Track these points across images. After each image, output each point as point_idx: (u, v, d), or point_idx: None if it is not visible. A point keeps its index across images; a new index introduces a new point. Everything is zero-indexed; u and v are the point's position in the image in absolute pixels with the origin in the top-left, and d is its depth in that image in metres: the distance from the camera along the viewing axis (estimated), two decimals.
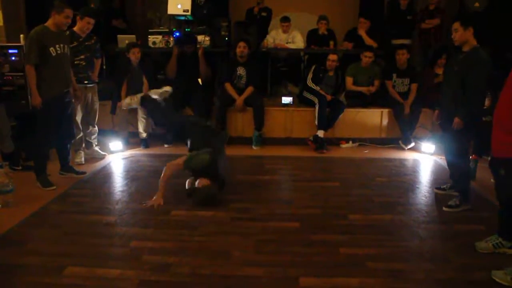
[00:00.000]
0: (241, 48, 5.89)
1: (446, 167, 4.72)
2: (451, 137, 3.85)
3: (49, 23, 4.04)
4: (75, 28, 4.73)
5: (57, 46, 4.05)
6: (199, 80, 6.22)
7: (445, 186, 4.17)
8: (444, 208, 3.77)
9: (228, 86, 5.95)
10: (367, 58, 6.10)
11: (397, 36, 6.89)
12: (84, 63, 4.84)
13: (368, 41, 6.60)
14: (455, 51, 4.06)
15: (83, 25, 4.69)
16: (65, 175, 4.53)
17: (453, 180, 4.06)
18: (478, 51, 3.65)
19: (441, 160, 5.27)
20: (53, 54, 4.03)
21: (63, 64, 4.19)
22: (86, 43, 4.86)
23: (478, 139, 4.66)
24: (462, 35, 3.67)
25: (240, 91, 5.92)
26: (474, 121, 3.73)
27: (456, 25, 3.69)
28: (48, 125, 4.15)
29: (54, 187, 4.19)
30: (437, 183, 4.45)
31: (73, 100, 4.50)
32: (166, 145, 5.82)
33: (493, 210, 3.79)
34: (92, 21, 4.72)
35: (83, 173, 4.62)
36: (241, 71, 5.98)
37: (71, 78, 4.43)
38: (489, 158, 5.18)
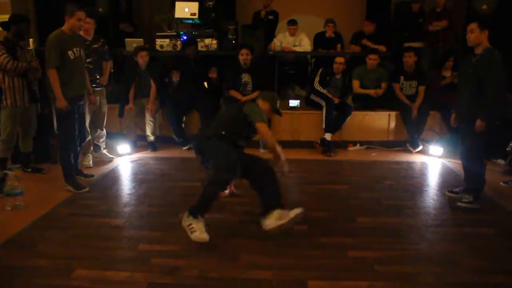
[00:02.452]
0: (244, 56, 5.84)
1: (455, 170, 4.73)
2: (469, 140, 3.85)
3: (64, 27, 4.08)
4: (80, 32, 4.73)
5: (74, 49, 4.10)
6: (205, 83, 6.23)
7: (458, 189, 4.12)
8: (458, 203, 3.82)
9: (232, 92, 5.95)
10: (371, 60, 6.09)
11: (409, 39, 6.88)
12: (92, 66, 4.87)
13: (373, 46, 6.59)
14: (466, 53, 4.05)
15: (84, 27, 4.69)
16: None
17: (467, 182, 4.03)
18: (493, 52, 3.66)
19: (449, 163, 5.25)
20: (71, 58, 4.07)
21: (79, 67, 4.23)
22: (93, 46, 4.89)
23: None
24: (478, 37, 3.69)
25: None
26: (494, 124, 3.75)
27: (473, 25, 3.70)
28: (69, 128, 4.17)
29: (87, 189, 4.22)
30: (445, 185, 4.43)
31: (87, 104, 4.56)
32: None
33: (502, 213, 3.79)
34: (91, 21, 4.75)
35: (91, 176, 4.63)
36: (246, 77, 5.96)
37: (87, 82, 4.48)
38: (497, 161, 5.21)
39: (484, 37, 3.69)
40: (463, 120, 3.96)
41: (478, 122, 3.68)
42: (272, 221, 3.20)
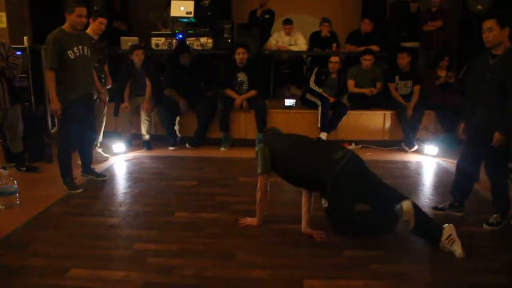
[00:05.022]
0: (241, 55, 5.84)
1: (450, 169, 4.70)
2: (487, 151, 3.37)
3: (65, 25, 3.99)
4: (87, 30, 4.69)
5: (75, 48, 3.97)
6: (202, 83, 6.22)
7: (443, 205, 3.72)
8: (484, 226, 3.41)
9: (228, 91, 5.95)
10: (366, 61, 6.11)
11: (407, 39, 6.89)
12: (97, 65, 4.87)
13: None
14: (461, 53, 3.87)
15: (96, 26, 4.69)
16: (86, 176, 4.51)
17: (459, 196, 3.66)
18: None
19: (444, 162, 5.26)
20: (71, 57, 3.95)
21: (83, 66, 4.09)
22: (99, 45, 4.88)
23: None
24: (497, 36, 3.17)
25: None
26: None
27: (491, 23, 3.17)
28: (69, 128, 4.12)
29: (81, 190, 4.18)
30: (440, 185, 4.45)
31: (98, 102, 4.53)
32: (171, 148, 5.81)
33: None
34: (104, 21, 4.76)
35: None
36: (242, 76, 5.96)
37: (95, 80, 4.43)
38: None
39: (505, 36, 3.18)
40: (477, 130, 3.42)
41: (497, 136, 3.18)
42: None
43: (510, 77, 3.14)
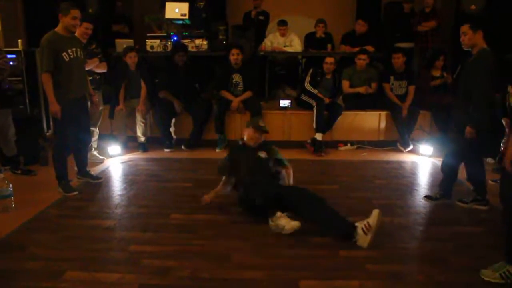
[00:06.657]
0: (235, 56, 5.86)
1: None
2: (463, 146, 3.74)
3: (58, 27, 3.98)
4: (75, 34, 4.71)
5: (69, 50, 3.98)
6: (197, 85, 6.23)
7: (466, 199, 3.94)
8: (457, 202, 3.87)
9: (223, 92, 5.96)
10: (361, 60, 6.13)
11: (400, 39, 6.92)
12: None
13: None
14: (455, 54, 4.02)
15: (81, 31, 4.67)
16: (81, 179, 4.51)
17: (477, 190, 3.91)
18: (483, 54, 3.53)
19: (439, 162, 5.27)
20: (66, 59, 3.96)
21: (78, 69, 4.12)
22: (88, 48, 4.88)
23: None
24: (471, 39, 3.55)
25: None
26: (487, 130, 3.62)
27: (465, 28, 3.56)
28: (65, 131, 4.11)
29: (76, 192, 4.17)
30: (435, 185, 4.44)
31: (90, 105, 4.53)
32: (166, 150, 5.81)
33: (491, 211, 3.81)
34: (90, 26, 4.71)
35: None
36: (237, 78, 5.97)
37: (87, 83, 4.44)
38: (487, 160, 5.21)
39: (479, 38, 3.55)
40: (458, 125, 3.78)
41: (468, 129, 3.56)
42: (363, 239, 3.07)
43: (473, 75, 3.51)
